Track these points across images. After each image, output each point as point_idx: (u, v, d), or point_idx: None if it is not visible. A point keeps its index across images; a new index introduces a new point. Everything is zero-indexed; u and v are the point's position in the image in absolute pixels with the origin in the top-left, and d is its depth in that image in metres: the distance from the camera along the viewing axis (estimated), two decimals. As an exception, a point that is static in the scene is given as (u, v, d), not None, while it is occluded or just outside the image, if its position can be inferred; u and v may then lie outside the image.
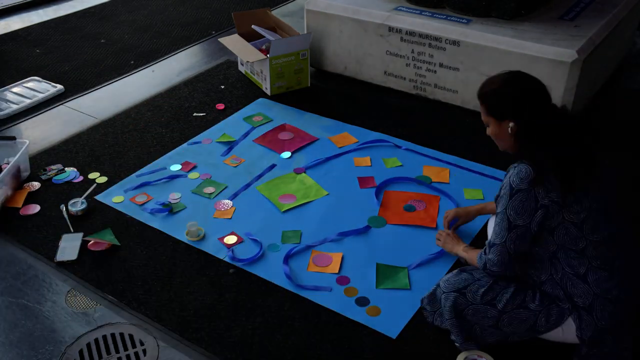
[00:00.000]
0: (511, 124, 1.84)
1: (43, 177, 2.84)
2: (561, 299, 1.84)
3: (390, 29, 3.41)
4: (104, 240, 2.45)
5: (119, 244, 2.45)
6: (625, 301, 1.82)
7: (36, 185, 2.79)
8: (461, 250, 2.23)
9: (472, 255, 2.05)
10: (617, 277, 1.81)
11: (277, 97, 3.53)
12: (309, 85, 3.64)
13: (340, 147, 3.05)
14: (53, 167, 2.91)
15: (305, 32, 3.76)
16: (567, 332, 1.86)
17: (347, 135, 3.17)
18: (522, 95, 1.83)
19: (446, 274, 2.28)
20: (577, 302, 1.81)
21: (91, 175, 2.86)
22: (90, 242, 2.45)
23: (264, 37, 3.71)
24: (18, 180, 2.77)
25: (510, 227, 1.82)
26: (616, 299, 1.80)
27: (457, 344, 1.95)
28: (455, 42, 3.22)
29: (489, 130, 1.95)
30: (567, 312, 1.84)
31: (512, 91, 1.85)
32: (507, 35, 3.13)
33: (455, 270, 2.03)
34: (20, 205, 2.67)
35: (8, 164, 2.73)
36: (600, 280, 1.80)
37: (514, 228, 1.82)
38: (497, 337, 1.93)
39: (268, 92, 3.55)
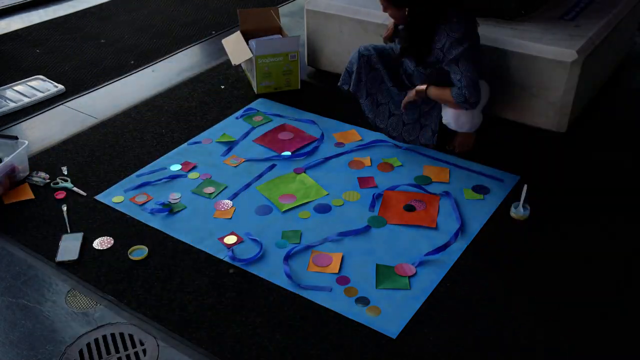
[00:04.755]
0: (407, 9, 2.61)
1: (28, 181, 2.82)
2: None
3: (390, 29, 3.40)
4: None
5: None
6: None
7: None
8: (432, 87, 2.76)
9: (445, 92, 2.69)
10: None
11: (278, 97, 3.53)
12: (299, 87, 3.60)
13: (340, 147, 3.06)
14: (41, 173, 2.87)
15: (305, 32, 3.75)
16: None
17: (354, 133, 3.17)
18: None
19: (450, 268, 2.29)
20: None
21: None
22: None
23: (260, 36, 3.70)
24: (12, 180, 2.77)
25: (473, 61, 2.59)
26: None
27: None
28: (455, 42, 3.21)
29: (388, 12, 2.73)
30: None
31: None
32: (507, 35, 3.12)
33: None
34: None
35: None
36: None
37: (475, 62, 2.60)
38: None
39: (255, 90, 3.55)
